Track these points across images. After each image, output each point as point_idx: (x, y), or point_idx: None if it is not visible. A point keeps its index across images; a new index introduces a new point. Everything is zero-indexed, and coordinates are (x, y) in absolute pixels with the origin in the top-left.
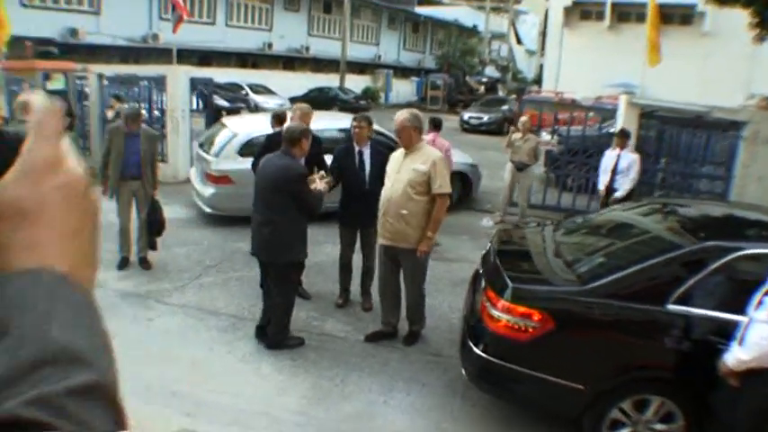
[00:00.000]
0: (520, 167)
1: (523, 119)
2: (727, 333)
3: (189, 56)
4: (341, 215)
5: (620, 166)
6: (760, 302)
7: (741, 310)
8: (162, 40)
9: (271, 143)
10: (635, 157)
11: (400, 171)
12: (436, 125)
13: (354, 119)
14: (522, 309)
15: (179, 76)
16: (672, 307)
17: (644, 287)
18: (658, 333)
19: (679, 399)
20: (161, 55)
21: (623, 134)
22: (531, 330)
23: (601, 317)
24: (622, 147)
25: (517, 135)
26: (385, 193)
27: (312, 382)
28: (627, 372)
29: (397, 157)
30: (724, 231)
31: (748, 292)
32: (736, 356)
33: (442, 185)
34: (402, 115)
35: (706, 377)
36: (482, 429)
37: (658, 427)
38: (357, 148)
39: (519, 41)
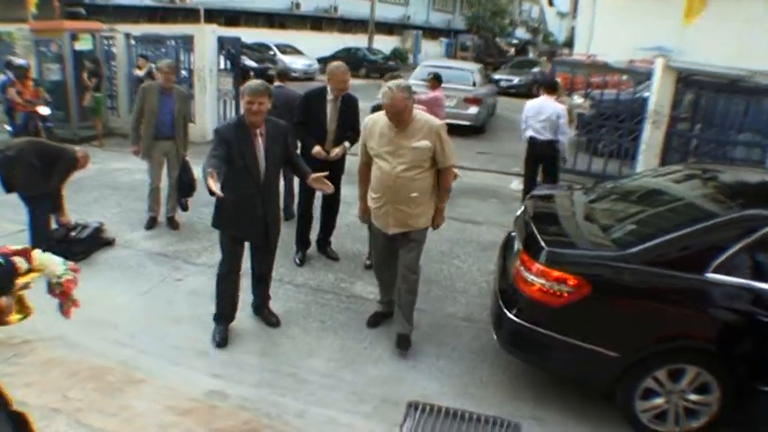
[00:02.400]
0: None
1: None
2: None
3: (216, 16)
4: None
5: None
6: None
7: None
8: (189, 0)
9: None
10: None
11: (398, 151)
12: (438, 79)
13: (389, 77)
14: (557, 273)
15: (206, 36)
16: (711, 275)
17: (683, 254)
18: (696, 302)
19: (716, 370)
20: (188, 15)
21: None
22: (565, 295)
23: (638, 283)
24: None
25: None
26: (381, 177)
27: (340, 345)
28: (663, 340)
29: (383, 131)
30: (765, 199)
31: None
32: None
33: (449, 157)
34: (397, 93)
35: (745, 348)
36: (511, 396)
37: (692, 397)
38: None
39: (550, 3)
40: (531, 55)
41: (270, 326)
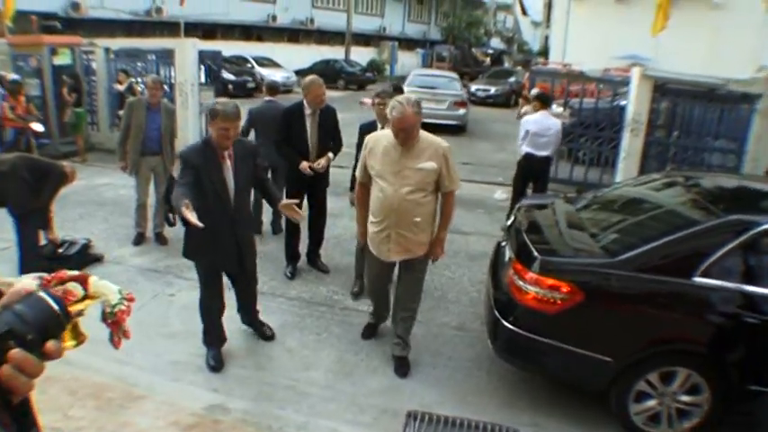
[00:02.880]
0: None
1: (535, 91)
2: (754, 306)
3: (193, 29)
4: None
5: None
6: None
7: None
8: (165, 14)
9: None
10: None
11: (402, 172)
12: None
13: (377, 95)
14: (550, 281)
15: (187, 50)
16: (698, 280)
17: (671, 260)
18: (685, 306)
19: (705, 371)
20: (165, 28)
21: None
22: (559, 302)
23: (628, 289)
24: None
25: (528, 107)
26: (383, 200)
27: (337, 357)
28: (655, 344)
29: (386, 150)
30: (746, 204)
31: None
32: None
33: (455, 181)
34: (408, 108)
35: (733, 350)
36: (508, 403)
37: (684, 398)
38: (380, 126)
39: (524, 12)
40: (506, 64)
41: (264, 339)
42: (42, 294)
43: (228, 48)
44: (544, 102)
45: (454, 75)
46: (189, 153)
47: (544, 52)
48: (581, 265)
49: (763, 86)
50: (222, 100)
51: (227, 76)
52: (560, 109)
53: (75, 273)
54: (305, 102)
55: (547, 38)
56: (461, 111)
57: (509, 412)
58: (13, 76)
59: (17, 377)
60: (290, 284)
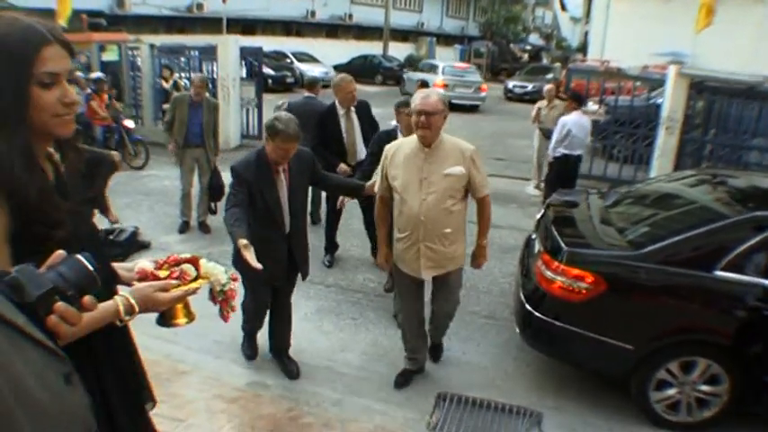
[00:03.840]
0: (547, 135)
1: (547, 87)
2: None
3: (233, 25)
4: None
5: None
6: None
7: None
8: (206, 10)
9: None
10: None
11: (427, 179)
12: (424, 84)
13: (399, 105)
14: (576, 271)
15: (229, 46)
16: (720, 273)
17: (693, 254)
18: (705, 298)
19: (725, 362)
20: (206, 24)
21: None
22: (584, 292)
23: (651, 281)
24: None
25: (543, 103)
26: (410, 212)
27: (372, 340)
28: (675, 334)
29: (408, 157)
30: None
31: None
32: None
33: (485, 185)
34: (431, 94)
35: (752, 342)
36: (534, 388)
37: (703, 388)
38: (402, 135)
39: (563, 8)
40: (544, 61)
41: (289, 376)
42: (79, 257)
43: (268, 43)
44: (579, 101)
45: (473, 67)
46: (241, 168)
47: (583, 49)
48: (605, 257)
49: None
50: (283, 116)
51: (266, 71)
52: (596, 106)
53: (188, 255)
54: (336, 102)
55: (586, 34)
56: (483, 94)
57: (535, 395)
58: (96, 74)
59: (61, 325)
60: (328, 272)
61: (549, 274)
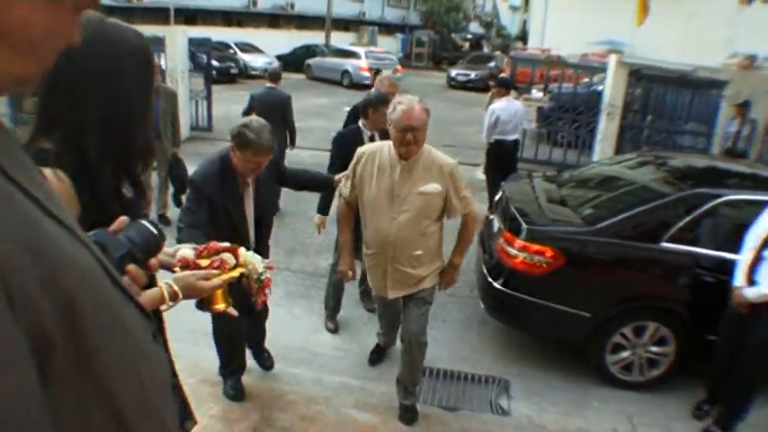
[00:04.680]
0: None
1: (500, 76)
2: (711, 267)
3: (175, 15)
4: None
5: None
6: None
7: (724, 247)
8: (146, 0)
9: None
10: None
11: (401, 196)
12: (377, 72)
13: (375, 102)
14: (536, 247)
15: (178, 37)
16: (665, 245)
17: (641, 228)
18: (654, 267)
19: (671, 325)
20: (146, 14)
21: None
22: (544, 266)
23: (605, 253)
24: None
25: (495, 91)
26: (378, 230)
27: (342, 322)
28: (628, 301)
29: (382, 166)
30: (709, 180)
31: (730, 232)
32: (761, 292)
33: (468, 202)
34: (416, 104)
35: (694, 305)
36: (499, 358)
37: (653, 349)
38: (369, 134)
39: None
40: (485, 49)
41: (264, 368)
42: (144, 222)
43: (210, 33)
44: (507, 86)
45: (390, 51)
46: (201, 182)
47: (522, 37)
48: (563, 233)
49: (729, 74)
50: (254, 123)
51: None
52: (540, 94)
53: (227, 245)
54: (362, 125)
55: (525, 22)
56: (399, 74)
57: (501, 365)
58: None
59: (131, 286)
60: (292, 259)
61: (511, 250)
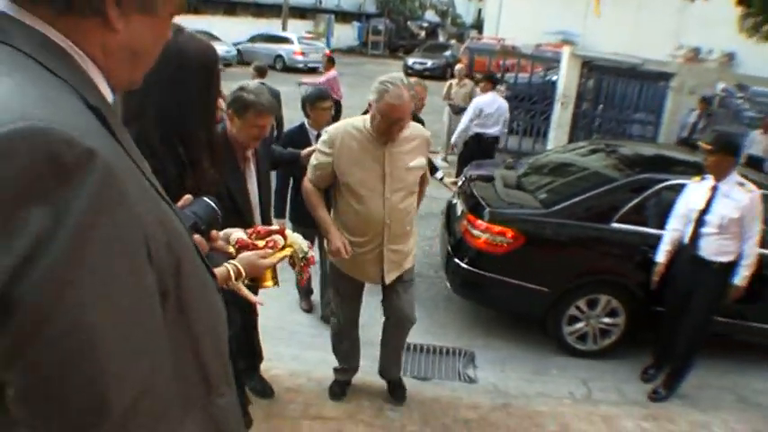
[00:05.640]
0: (456, 111)
1: (458, 67)
2: (656, 244)
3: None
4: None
5: None
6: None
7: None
8: None
9: None
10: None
11: (392, 174)
12: (332, 61)
13: (315, 99)
14: (498, 228)
15: None
16: (615, 225)
17: (593, 210)
18: (605, 245)
19: (621, 297)
20: None
21: None
22: (505, 245)
23: (561, 233)
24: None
25: (454, 81)
26: (371, 214)
27: (316, 301)
28: (582, 276)
29: (363, 147)
30: (654, 166)
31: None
32: (743, 274)
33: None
34: (404, 91)
35: (640, 279)
36: (465, 332)
37: (605, 320)
38: (315, 132)
39: None
40: (440, 38)
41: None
42: (206, 199)
43: None
44: (494, 81)
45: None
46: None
47: (478, 26)
48: (522, 215)
49: (675, 66)
50: (250, 85)
51: None
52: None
53: (276, 227)
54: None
55: (480, 11)
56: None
57: (466, 338)
58: None
59: None
60: None
61: (474, 231)
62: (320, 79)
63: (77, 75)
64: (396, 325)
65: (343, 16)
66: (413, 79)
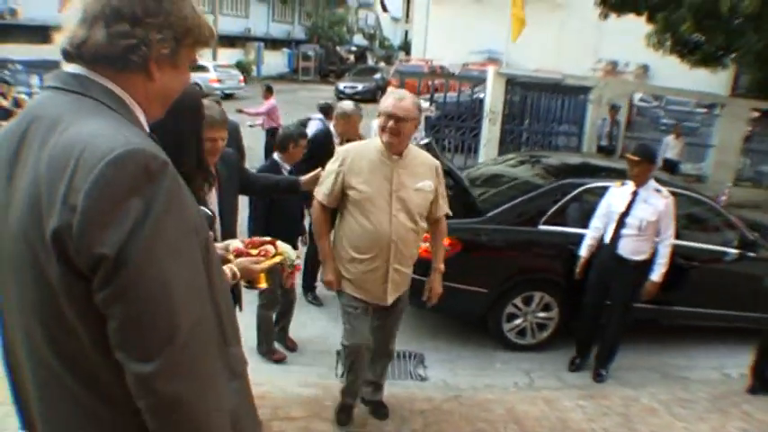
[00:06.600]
0: None
1: (390, 88)
2: (579, 241)
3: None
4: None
5: None
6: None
7: (588, 225)
8: (23, 16)
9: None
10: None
11: (398, 193)
12: (270, 90)
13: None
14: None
15: None
16: (542, 227)
17: (521, 214)
18: (535, 246)
19: (553, 292)
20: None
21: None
22: (445, 253)
23: (494, 238)
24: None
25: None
26: (377, 231)
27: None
28: (516, 276)
29: (374, 165)
30: (574, 172)
31: (592, 213)
32: (660, 271)
33: (446, 202)
34: (407, 96)
35: (568, 274)
36: (414, 335)
37: (540, 315)
38: (288, 167)
39: (384, 9)
40: (369, 61)
41: None
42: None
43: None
44: None
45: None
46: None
47: (405, 48)
48: (458, 224)
49: (593, 81)
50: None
51: None
52: (426, 104)
53: (268, 239)
54: (333, 128)
55: (407, 33)
56: (242, 84)
57: (415, 342)
58: None
59: None
60: None
61: None
62: (261, 109)
63: (131, 115)
64: (382, 355)
65: (273, 43)
66: (350, 102)
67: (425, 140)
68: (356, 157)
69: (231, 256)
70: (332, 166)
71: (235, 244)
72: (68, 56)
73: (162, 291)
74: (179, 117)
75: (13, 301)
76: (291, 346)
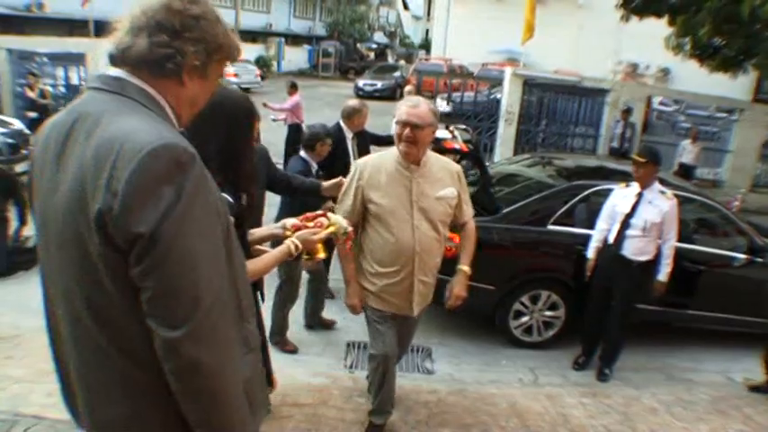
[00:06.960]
0: None
1: (408, 88)
2: (587, 242)
3: (83, 26)
4: None
5: None
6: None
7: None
8: (50, 9)
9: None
10: None
11: (419, 203)
12: (294, 86)
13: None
14: (448, 234)
15: (101, 52)
16: (551, 227)
17: (532, 214)
18: (543, 245)
19: (560, 292)
20: (50, 25)
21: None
22: (454, 249)
23: (504, 236)
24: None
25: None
26: (401, 242)
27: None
28: (525, 274)
29: (392, 177)
30: (584, 174)
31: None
32: (665, 271)
33: (470, 207)
34: (423, 102)
35: (575, 274)
36: (422, 330)
37: (547, 313)
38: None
39: (406, 7)
40: (390, 59)
41: None
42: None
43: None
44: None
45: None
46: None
47: (426, 46)
48: None
49: (610, 83)
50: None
51: None
52: (444, 102)
53: (320, 212)
54: (344, 125)
55: (428, 31)
56: (258, 78)
57: (423, 336)
58: None
59: None
60: None
61: None
62: (285, 104)
63: (165, 114)
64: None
65: (294, 39)
66: (352, 99)
67: (462, 127)
68: (373, 171)
69: (289, 233)
70: (350, 182)
71: (291, 221)
72: (114, 59)
73: (189, 265)
74: (234, 124)
75: (56, 274)
76: (329, 323)
